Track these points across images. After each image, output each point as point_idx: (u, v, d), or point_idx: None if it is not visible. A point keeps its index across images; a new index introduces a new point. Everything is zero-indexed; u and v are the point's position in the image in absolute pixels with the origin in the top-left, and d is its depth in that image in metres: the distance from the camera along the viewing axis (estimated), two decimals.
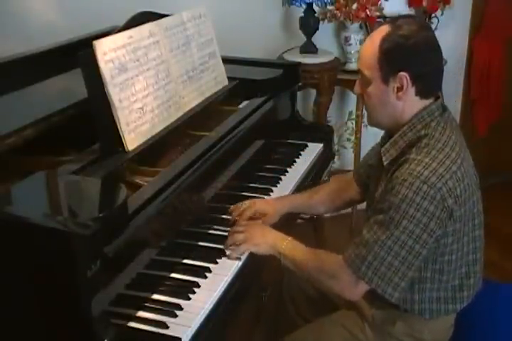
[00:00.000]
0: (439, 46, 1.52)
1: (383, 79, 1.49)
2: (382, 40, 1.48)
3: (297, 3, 2.84)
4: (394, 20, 1.53)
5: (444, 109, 1.56)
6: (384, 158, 1.58)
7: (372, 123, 1.64)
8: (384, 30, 1.49)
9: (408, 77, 1.47)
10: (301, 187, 2.07)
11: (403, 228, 1.42)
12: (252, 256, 1.66)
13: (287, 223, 1.93)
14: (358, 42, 3.05)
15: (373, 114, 1.59)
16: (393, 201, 1.44)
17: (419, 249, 1.44)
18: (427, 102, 1.53)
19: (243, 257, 1.64)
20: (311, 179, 2.21)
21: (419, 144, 1.49)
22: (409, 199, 1.41)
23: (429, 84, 1.52)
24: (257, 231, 1.69)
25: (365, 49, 1.53)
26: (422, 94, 1.51)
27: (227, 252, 1.64)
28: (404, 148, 1.53)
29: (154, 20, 1.82)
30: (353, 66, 3.04)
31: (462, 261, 1.57)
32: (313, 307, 1.90)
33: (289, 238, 1.66)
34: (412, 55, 1.47)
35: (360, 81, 1.58)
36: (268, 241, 1.66)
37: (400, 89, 1.49)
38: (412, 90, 1.49)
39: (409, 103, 1.51)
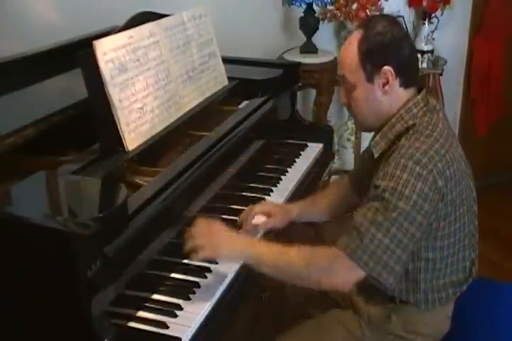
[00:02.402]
0: (409, 36, 1.63)
1: (368, 78, 1.55)
2: (360, 42, 1.54)
3: (297, 3, 2.85)
4: (364, 23, 1.62)
5: (428, 99, 1.60)
6: (374, 151, 1.61)
7: (364, 128, 1.71)
8: (358, 33, 1.57)
9: (392, 70, 1.52)
10: (301, 188, 2.07)
11: (400, 209, 1.43)
12: None
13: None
14: None
15: (362, 118, 1.64)
16: (388, 184, 1.45)
17: (414, 231, 1.44)
18: (410, 93, 1.58)
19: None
20: (311, 179, 2.21)
21: (408, 133, 1.53)
22: (404, 181, 1.43)
23: (409, 73, 1.57)
24: (221, 237, 1.56)
25: (344, 55, 1.59)
26: (405, 84, 1.56)
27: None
28: (394, 139, 1.56)
29: (154, 20, 1.82)
30: None
31: (455, 249, 1.58)
32: (315, 302, 1.90)
33: (259, 240, 1.64)
34: (390, 48, 1.53)
35: (344, 89, 1.62)
36: (236, 247, 1.56)
37: (385, 83, 1.54)
38: (396, 82, 1.54)
39: (395, 96, 1.56)
